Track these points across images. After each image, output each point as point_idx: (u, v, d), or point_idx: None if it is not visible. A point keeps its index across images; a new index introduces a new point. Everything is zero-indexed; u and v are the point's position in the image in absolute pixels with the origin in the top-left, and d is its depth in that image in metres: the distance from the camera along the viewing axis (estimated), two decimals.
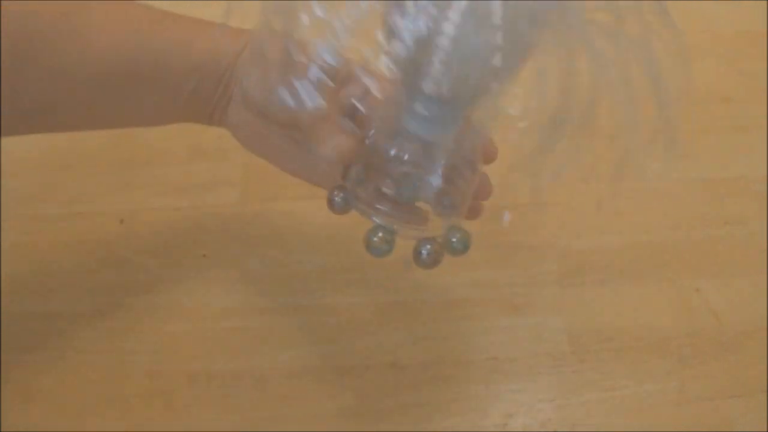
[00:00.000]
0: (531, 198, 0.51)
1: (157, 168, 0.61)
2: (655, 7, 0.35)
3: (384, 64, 0.33)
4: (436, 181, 0.36)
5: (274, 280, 0.52)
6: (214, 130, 0.63)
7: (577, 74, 0.33)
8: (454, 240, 0.37)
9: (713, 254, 0.53)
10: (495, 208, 0.43)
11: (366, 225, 0.37)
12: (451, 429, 0.46)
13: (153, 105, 0.41)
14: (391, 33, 0.31)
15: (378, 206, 0.36)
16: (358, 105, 0.39)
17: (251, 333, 0.50)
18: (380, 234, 0.36)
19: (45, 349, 0.49)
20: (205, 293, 0.52)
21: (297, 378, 0.48)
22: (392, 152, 0.36)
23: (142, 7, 0.40)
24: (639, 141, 0.34)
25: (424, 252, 0.36)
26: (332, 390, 0.47)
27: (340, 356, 0.48)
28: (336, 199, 0.38)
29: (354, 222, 0.38)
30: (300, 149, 0.42)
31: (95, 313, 0.51)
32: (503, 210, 0.51)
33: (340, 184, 0.38)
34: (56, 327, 0.50)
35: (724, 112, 0.62)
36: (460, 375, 0.48)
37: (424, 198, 0.37)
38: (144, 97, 0.40)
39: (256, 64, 0.39)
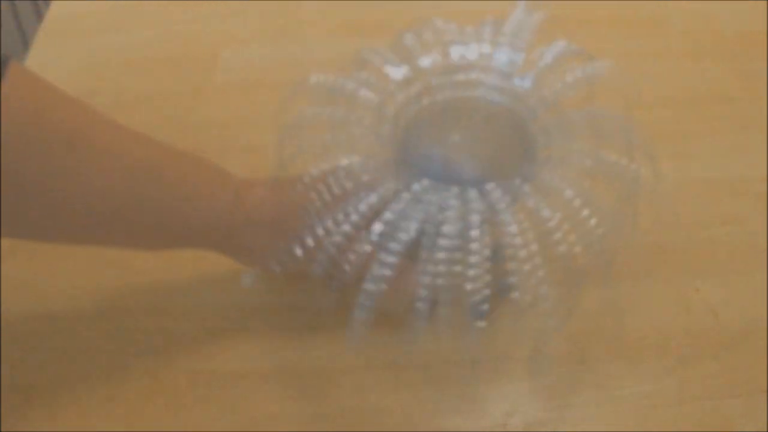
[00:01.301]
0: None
1: None
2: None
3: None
4: None
5: (274, 280, 0.52)
6: (215, 131, 0.64)
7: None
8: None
9: (713, 254, 0.53)
10: None
11: None
12: (451, 429, 0.46)
13: (150, 245, 0.41)
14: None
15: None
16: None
17: (251, 333, 0.50)
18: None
19: (45, 349, 0.49)
20: (205, 293, 0.52)
21: (297, 378, 0.48)
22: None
23: (143, 146, 0.38)
24: None
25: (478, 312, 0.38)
26: (332, 390, 0.47)
27: (340, 356, 0.48)
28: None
29: None
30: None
31: (95, 313, 0.51)
32: None
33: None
34: (56, 327, 0.50)
35: (724, 112, 0.62)
36: (460, 375, 0.48)
37: None
38: (139, 239, 0.39)
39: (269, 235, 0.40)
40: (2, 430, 0.46)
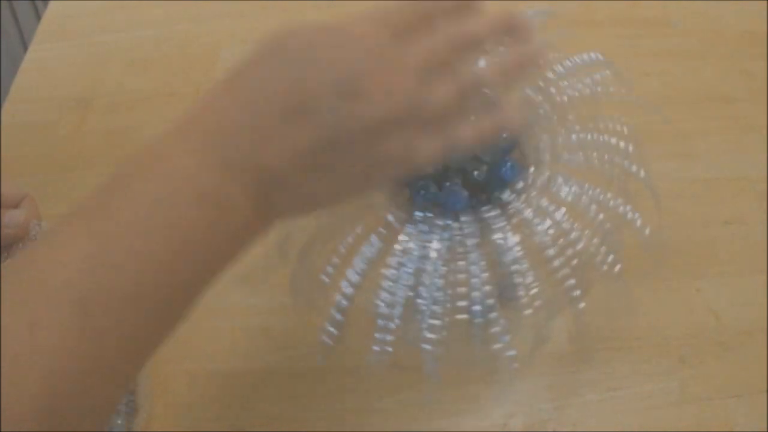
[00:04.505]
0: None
1: None
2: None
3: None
4: None
5: (274, 280, 0.52)
6: None
7: None
8: None
9: (713, 254, 0.53)
10: None
11: None
12: (451, 429, 0.46)
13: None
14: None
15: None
16: None
17: (251, 333, 0.50)
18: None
19: None
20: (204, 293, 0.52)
21: (297, 378, 0.48)
22: None
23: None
24: None
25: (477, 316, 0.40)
26: (333, 390, 0.47)
27: (340, 356, 0.48)
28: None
29: None
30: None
31: None
32: None
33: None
34: None
35: (724, 112, 0.62)
36: (460, 375, 0.48)
37: None
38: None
39: None
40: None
